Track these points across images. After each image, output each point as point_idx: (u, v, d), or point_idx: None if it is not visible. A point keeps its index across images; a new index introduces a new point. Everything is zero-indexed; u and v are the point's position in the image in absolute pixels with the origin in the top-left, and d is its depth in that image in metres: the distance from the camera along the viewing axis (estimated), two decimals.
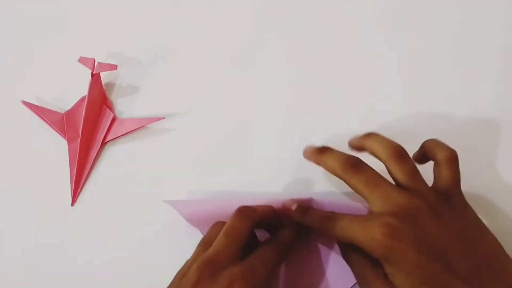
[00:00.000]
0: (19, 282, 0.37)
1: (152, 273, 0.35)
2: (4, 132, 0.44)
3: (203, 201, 0.38)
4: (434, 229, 0.26)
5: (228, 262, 0.28)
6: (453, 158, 0.30)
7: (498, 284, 0.26)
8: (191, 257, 0.31)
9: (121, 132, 0.42)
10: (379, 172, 0.29)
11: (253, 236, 0.33)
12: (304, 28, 0.46)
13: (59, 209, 0.39)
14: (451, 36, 0.43)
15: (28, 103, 0.43)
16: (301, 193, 0.36)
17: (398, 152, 0.29)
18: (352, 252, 0.29)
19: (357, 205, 0.32)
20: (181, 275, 0.29)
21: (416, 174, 0.29)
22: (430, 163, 0.31)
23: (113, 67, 0.44)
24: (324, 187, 0.37)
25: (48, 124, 0.42)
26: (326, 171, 0.31)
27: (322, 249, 0.34)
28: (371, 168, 0.29)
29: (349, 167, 0.29)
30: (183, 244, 0.32)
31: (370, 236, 0.26)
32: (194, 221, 0.36)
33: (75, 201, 0.39)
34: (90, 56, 0.44)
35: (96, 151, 0.41)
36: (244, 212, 0.31)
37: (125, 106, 0.44)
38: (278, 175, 0.38)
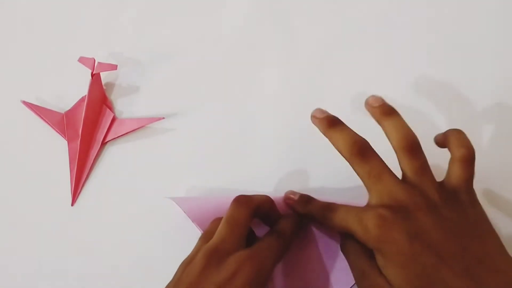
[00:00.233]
0: (19, 282, 0.37)
1: (153, 273, 0.35)
2: (4, 132, 0.44)
3: (204, 198, 0.38)
4: (429, 225, 0.26)
5: (232, 249, 0.28)
6: (469, 158, 0.29)
7: (494, 282, 0.26)
8: (193, 249, 0.31)
9: (121, 132, 0.42)
10: None
11: (252, 233, 0.33)
12: (304, 28, 0.46)
13: (59, 209, 0.39)
14: (452, 37, 0.43)
15: (28, 103, 0.43)
16: (301, 192, 0.36)
17: (410, 145, 0.29)
18: (349, 243, 0.30)
19: (354, 203, 0.33)
20: (186, 263, 0.29)
21: (424, 171, 0.29)
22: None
23: (113, 67, 0.44)
24: (324, 186, 0.37)
25: (48, 124, 0.42)
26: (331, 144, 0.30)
27: (322, 248, 0.34)
28: (377, 157, 0.29)
29: (356, 152, 0.29)
30: (183, 244, 0.32)
31: (364, 226, 0.27)
32: (195, 217, 0.36)
33: (75, 201, 0.39)
34: (90, 56, 0.44)
35: (96, 151, 0.41)
36: (241, 200, 0.31)
37: (125, 106, 0.44)
38: (277, 174, 0.38)
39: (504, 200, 0.36)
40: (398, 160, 0.29)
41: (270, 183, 0.38)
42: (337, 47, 0.44)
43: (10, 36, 0.49)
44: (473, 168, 0.29)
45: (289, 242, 0.32)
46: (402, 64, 0.43)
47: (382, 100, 0.30)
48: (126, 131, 0.42)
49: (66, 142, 0.42)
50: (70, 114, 0.43)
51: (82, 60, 0.44)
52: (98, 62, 0.43)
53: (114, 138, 0.42)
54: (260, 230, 0.34)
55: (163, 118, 0.42)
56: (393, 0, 0.46)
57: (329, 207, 0.30)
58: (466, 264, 0.26)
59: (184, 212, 0.36)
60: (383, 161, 0.29)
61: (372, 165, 0.29)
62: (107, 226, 0.38)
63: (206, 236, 0.31)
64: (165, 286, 0.29)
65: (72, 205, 0.39)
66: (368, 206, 0.29)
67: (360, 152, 0.29)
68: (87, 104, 0.42)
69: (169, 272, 0.30)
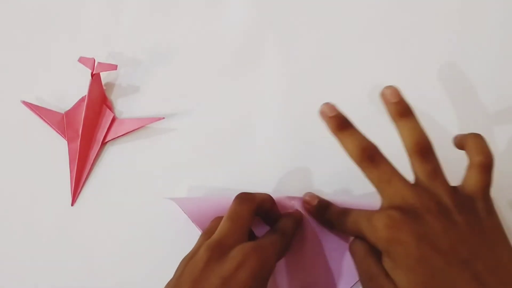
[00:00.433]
0: (19, 282, 0.37)
1: (153, 272, 0.35)
2: (4, 132, 0.44)
3: (205, 198, 0.38)
4: (439, 229, 0.26)
5: (235, 244, 0.28)
6: (486, 165, 0.29)
7: None
8: (195, 246, 0.31)
9: (121, 132, 0.42)
10: None
11: (252, 233, 0.33)
12: (304, 28, 0.46)
13: (59, 209, 0.39)
14: (454, 39, 0.43)
15: (28, 103, 0.43)
16: (301, 192, 0.36)
17: (422, 149, 0.29)
18: (358, 244, 0.30)
19: (357, 203, 0.33)
20: (188, 259, 0.29)
21: (436, 175, 0.29)
22: None
23: (113, 67, 0.44)
24: (324, 186, 0.37)
25: (48, 124, 0.42)
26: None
27: (323, 247, 0.34)
28: (387, 162, 0.29)
29: (366, 158, 0.29)
30: (184, 244, 0.32)
31: (374, 226, 0.27)
32: (195, 217, 0.36)
33: (75, 201, 0.39)
34: (90, 56, 0.43)
35: (96, 151, 0.41)
36: (244, 197, 0.31)
37: (125, 106, 0.44)
38: (277, 174, 0.38)
39: None
40: (410, 163, 0.29)
41: (270, 183, 0.38)
42: (337, 47, 0.44)
43: (10, 36, 0.49)
44: (490, 176, 0.29)
45: (290, 240, 0.32)
46: (402, 64, 0.43)
47: (399, 95, 0.30)
48: (126, 131, 0.42)
49: (66, 142, 0.42)
50: (70, 114, 0.43)
51: (82, 60, 0.44)
52: (98, 62, 0.43)
53: (114, 138, 0.42)
54: (260, 230, 0.34)
55: (163, 118, 0.42)
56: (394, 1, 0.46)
57: (344, 212, 0.31)
58: (475, 271, 0.25)
59: (184, 212, 0.36)
60: (392, 166, 0.29)
61: (382, 170, 0.29)
62: (107, 226, 0.38)
63: (207, 233, 0.31)
64: (166, 283, 0.29)
65: (72, 205, 0.39)
66: (380, 208, 0.29)
67: (369, 157, 0.29)
68: (87, 104, 0.42)
69: (170, 271, 0.30)
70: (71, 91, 0.44)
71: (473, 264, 0.25)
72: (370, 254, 0.28)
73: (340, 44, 0.44)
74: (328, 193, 0.37)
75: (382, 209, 0.28)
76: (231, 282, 0.26)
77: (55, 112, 0.43)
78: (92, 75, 0.43)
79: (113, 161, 0.41)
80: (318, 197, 0.34)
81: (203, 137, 0.41)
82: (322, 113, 0.30)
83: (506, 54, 0.42)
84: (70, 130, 0.42)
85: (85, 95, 0.42)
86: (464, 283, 0.25)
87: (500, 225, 0.28)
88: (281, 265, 0.34)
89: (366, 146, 0.29)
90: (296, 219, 0.33)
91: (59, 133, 0.42)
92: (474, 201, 0.28)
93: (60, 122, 0.42)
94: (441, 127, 0.39)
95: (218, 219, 0.32)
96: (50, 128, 0.42)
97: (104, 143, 0.42)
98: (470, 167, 0.29)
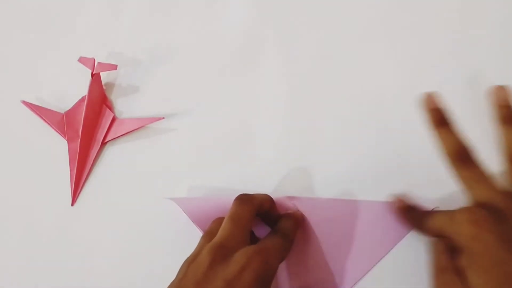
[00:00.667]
0: (19, 282, 0.37)
1: (153, 272, 0.35)
2: (4, 132, 0.44)
3: (205, 199, 0.38)
4: None
5: (238, 246, 0.28)
6: None
7: None
8: (196, 248, 0.30)
9: (121, 132, 0.42)
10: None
11: (252, 233, 0.33)
12: (304, 28, 0.46)
13: (59, 209, 0.39)
14: (453, 38, 0.43)
15: (28, 103, 0.43)
16: (301, 192, 0.36)
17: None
18: (438, 242, 0.30)
19: (354, 203, 0.33)
20: (190, 261, 0.29)
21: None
22: None
23: (113, 67, 0.44)
24: (324, 187, 0.37)
25: (48, 124, 0.42)
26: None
27: (324, 247, 0.34)
28: (479, 165, 0.29)
29: (459, 159, 0.29)
30: (184, 244, 0.32)
31: (457, 222, 0.27)
32: (195, 217, 0.36)
33: (75, 201, 0.39)
34: (90, 56, 0.44)
35: (96, 151, 0.41)
36: (244, 199, 0.31)
37: (125, 106, 0.44)
38: (277, 174, 0.38)
39: None
40: (506, 169, 0.29)
41: (270, 183, 0.38)
42: (337, 47, 0.44)
43: (10, 36, 0.49)
44: None
45: (292, 241, 0.32)
46: (402, 64, 0.42)
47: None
48: (126, 131, 0.42)
49: (66, 142, 0.42)
50: (70, 114, 0.43)
51: (82, 60, 0.44)
52: (98, 62, 0.43)
53: (114, 138, 0.42)
54: (260, 230, 0.34)
55: (163, 118, 0.42)
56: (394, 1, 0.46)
57: (427, 214, 0.31)
58: None
59: (185, 212, 0.36)
60: (485, 169, 0.29)
61: (473, 172, 0.29)
62: (107, 226, 0.38)
63: (208, 235, 0.31)
64: (168, 285, 0.29)
65: (72, 205, 0.39)
66: (465, 206, 0.29)
67: (463, 159, 0.29)
68: (87, 104, 0.42)
69: (170, 271, 0.29)
70: (71, 91, 0.44)
71: None
72: (446, 250, 0.28)
73: (340, 44, 0.44)
74: (328, 193, 0.37)
75: (467, 206, 0.28)
76: (235, 285, 0.26)
77: (55, 112, 0.43)
78: (92, 75, 0.43)
79: (113, 161, 0.41)
80: (405, 200, 0.34)
81: (203, 137, 0.41)
82: (424, 103, 0.30)
83: (506, 54, 0.42)
84: (70, 130, 0.42)
85: (85, 95, 0.42)
86: None
87: None
88: (281, 265, 0.34)
89: (462, 148, 0.30)
90: (297, 219, 0.33)
91: (59, 133, 0.42)
92: None
93: (60, 122, 0.42)
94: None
95: (219, 219, 0.32)
96: (50, 128, 0.42)
97: (104, 143, 0.42)
98: None
